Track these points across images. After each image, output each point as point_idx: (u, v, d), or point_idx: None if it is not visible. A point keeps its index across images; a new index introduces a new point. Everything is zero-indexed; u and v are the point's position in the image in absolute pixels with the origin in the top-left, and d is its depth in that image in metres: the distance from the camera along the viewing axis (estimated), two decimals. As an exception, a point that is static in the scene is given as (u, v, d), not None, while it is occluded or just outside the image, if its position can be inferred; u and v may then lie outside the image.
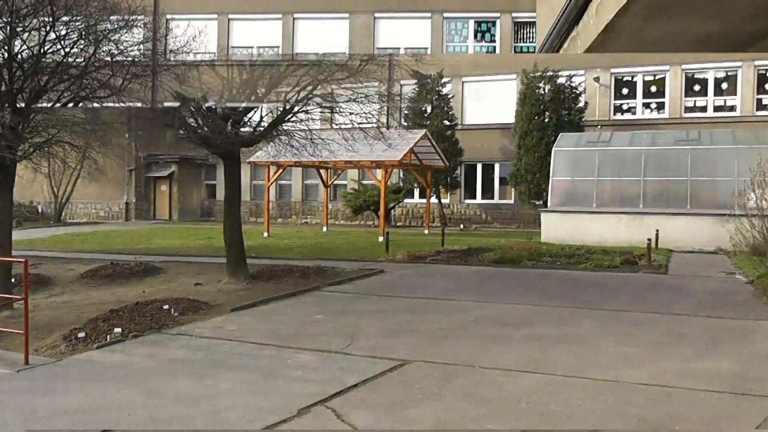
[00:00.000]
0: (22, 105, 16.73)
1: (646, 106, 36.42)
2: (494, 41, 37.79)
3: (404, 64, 23.82)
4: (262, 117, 19.06)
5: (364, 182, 37.60)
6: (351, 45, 38.32)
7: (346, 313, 13.12)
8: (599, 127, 34.65)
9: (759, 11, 7.85)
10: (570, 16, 9.92)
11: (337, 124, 21.18)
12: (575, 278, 18.11)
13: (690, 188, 25.65)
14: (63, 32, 17.47)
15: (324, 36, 38.94)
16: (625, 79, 36.62)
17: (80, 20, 17.95)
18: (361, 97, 20.71)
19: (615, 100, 36.81)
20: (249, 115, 18.68)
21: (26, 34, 17.40)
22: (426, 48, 38.20)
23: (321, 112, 20.97)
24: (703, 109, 35.50)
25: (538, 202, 33.46)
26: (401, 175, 38.45)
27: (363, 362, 9.21)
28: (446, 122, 36.27)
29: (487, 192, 39.33)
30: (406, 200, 38.72)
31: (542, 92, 33.53)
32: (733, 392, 7.86)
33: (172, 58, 21.85)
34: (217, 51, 37.75)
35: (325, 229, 34.12)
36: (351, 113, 19.94)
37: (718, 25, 8.47)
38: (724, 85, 35.42)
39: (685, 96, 35.73)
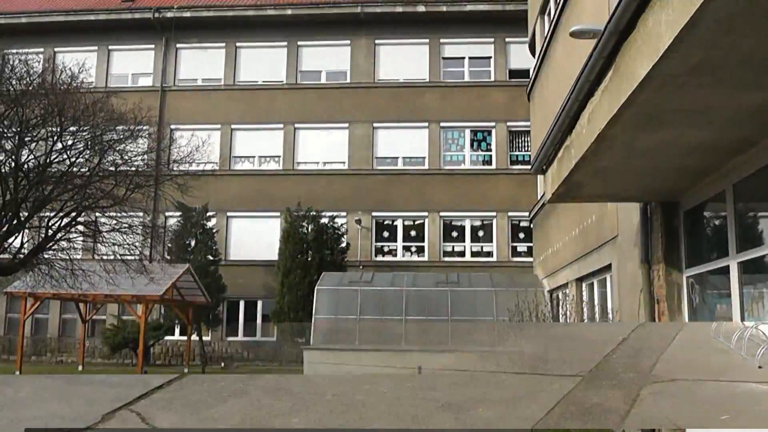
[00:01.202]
0: (26, 214, 16.65)
1: (407, 249, 37.86)
2: (490, 150, 38.69)
3: (169, 195, 23.34)
4: (23, 243, 18.29)
5: (124, 318, 36.39)
6: (351, 154, 38.99)
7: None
8: (361, 267, 35.53)
9: (742, 119, 8.41)
10: (563, 125, 10.30)
11: (99, 255, 20.62)
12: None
13: (450, 326, 26.55)
14: (69, 142, 17.70)
15: (324, 145, 39.42)
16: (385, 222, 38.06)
17: (87, 130, 17.95)
18: (125, 227, 20.27)
19: (376, 242, 38.08)
20: (9, 241, 17.94)
21: (33, 144, 17.46)
22: (424, 157, 38.86)
23: (83, 241, 20.41)
24: (461, 254, 37.43)
25: (300, 340, 33.49)
26: (162, 311, 37.53)
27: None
28: (210, 257, 36.08)
29: (249, 329, 39.03)
30: (167, 337, 37.59)
31: (305, 231, 34.20)
32: (533, 373, 8.16)
33: (175, 168, 21.31)
34: (220, 161, 37.81)
35: (80, 368, 32.51)
36: (114, 243, 19.49)
37: (707, 133, 8.98)
38: (481, 233, 37.60)
39: (444, 241, 37.62)
